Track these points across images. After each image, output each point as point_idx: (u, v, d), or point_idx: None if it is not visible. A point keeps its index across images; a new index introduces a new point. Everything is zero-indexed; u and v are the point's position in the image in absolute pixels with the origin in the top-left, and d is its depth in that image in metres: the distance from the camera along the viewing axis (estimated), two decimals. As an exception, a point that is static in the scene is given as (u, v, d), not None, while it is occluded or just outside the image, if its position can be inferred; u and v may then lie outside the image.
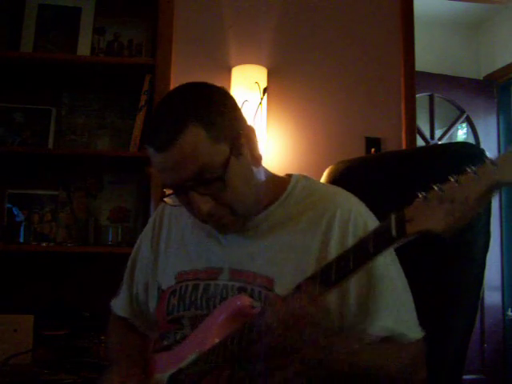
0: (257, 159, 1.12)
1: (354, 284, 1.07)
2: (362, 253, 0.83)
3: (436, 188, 0.76)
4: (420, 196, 0.78)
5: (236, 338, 0.96)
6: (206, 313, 1.10)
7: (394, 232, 0.79)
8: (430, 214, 0.75)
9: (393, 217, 0.81)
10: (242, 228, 1.14)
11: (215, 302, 1.11)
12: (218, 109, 1.07)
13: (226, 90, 1.15)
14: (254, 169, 1.12)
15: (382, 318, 1.05)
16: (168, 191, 1.10)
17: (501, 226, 3.94)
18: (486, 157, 0.73)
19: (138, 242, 1.36)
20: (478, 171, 0.73)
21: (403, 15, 2.65)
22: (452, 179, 0.75)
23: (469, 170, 0.74)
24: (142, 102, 2.30)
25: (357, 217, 1.11)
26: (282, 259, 1.08)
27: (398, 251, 1.16)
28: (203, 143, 1.02)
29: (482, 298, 3.68)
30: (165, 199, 1.12)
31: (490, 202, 1.26)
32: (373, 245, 0.82)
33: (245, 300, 1.01)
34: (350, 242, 1.06)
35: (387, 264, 1.10)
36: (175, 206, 1.12)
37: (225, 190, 1.05)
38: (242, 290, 1.09)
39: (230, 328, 0.97)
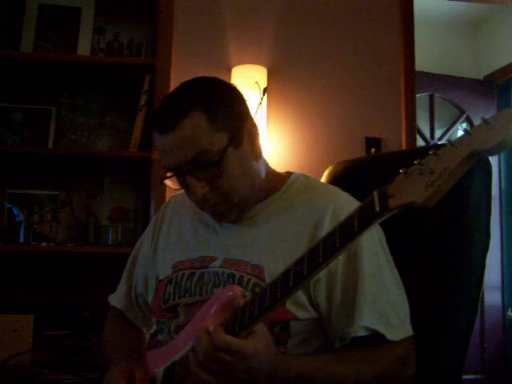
0: (257, 154, 1.16)
1: (340, 280, 1.08)
2: (347, 230, 0.85)
3: (416, 162, 0.79)
4: (401, 172, 0.80)
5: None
6: (200, 299, 1.12)
7: (377, 207, 0.81)
8: (411, 188, 0.78)
9: (376, 193, 0.82)
10: (238, 218, 1.17)
11: (207, 289, 1.14)
12: (222, 100, 1.13)
13: (235, 86, 1.20)
14: (254, 163, 1.16)
15: (365, 317, 1.06)
16: (168, 174, 1.14)
17: (501, 226, 3.94)
18: (465, 129, 0.75)
19: (140, 238, 1.40)
20: (454, 143, 0.75)
21: (403, 15, 2.65)
22: (431, 153, 0.77)
23: (447, 143, 0.76)
24: (142, 102, 2.30)
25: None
26: (273, 249, 1.11)
27: (397, 252, 1.17)
28: (203, 129, 1.08)
29: (482, 297, 3.68)
30: (165, 181, 1.15)
31: (490, 203, 1.26)
32: (357, 221, 0.83)
33: (237, 290, 1.02)
34: None
35: (380, 263, 1.11)
36: (176, 189, 1.16)
37: (220, 177, 1.10)
38: (231, 276, 1.12)
39: (223, 318, 0.99)
